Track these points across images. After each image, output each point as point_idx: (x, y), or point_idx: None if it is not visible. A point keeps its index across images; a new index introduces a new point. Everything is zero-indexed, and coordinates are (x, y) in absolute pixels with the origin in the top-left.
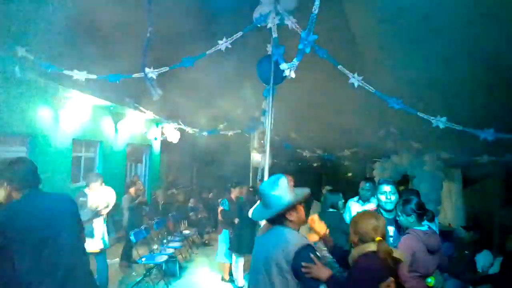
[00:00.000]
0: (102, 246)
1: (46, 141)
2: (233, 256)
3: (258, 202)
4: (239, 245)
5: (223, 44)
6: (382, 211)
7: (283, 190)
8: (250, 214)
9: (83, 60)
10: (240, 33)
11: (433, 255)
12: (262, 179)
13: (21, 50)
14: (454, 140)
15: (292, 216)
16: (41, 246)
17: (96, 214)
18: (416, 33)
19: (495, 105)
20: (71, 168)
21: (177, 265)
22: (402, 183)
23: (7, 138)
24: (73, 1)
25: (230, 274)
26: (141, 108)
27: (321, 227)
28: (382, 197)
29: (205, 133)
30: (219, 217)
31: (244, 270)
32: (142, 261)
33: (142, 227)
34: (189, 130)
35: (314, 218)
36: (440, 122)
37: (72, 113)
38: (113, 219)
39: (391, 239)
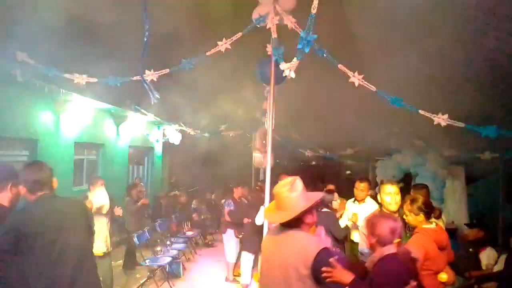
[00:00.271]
0: (105, 249)
1: (48, 145)
2: (243, 255)
3: (269, 204)
4: (251, 244)
5: (222, 45)
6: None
7: (300, 193)
8: (261, 215)
9: (84, 64)
10: (239, 34)
11: (443, 251)
12: (264, 179)
13: (22, 55)
14: (456, 137)
15: (308, 219)
16: (51, 249)
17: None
18: (416, 31)
19: (497, 102)
20: (73, 171)
21: (180, 266)
22: (405, 181)
23: (9, 142)
24: (73, 5)
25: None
26: (142, 110)
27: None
28: (387, 198)
29: (206, 134)
30: (226, 217)
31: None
32: (145, 263)
33: (145, 229)
34: (190, 131)
35: None
36: (442, 119)
37: (73, 116)
38: (116, 222)
39: None
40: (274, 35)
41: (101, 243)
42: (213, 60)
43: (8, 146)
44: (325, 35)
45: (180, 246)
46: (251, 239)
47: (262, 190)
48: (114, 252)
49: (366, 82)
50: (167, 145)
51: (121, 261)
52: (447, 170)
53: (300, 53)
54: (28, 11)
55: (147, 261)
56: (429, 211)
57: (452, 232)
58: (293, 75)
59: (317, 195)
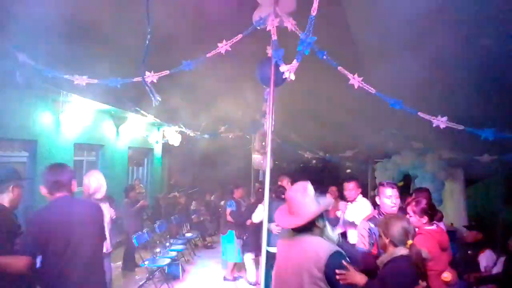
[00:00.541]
0: (105, 250)
1: (48, 146)
2: (246, 256)
3: (281, 208)
4: (252, 245)
5: (223, 47)
6: (378, 216)
7: (312, 197)
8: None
9: (84, 65)
10: (240, 36)
11: (444, 252)
12: (263, 181)
13: (22, 56)
14: (455, 139)
15: (320, 223)
16: (63, 249)
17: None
18: (416, 33)
19: (496, 104)
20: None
21: (180, 268)
22: (404, 183)
23: (9, 143)
24: (73, 6)
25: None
26: (142, 111)
27: None
28: (387, 201)
29: (206, 136)
30: (228, 218)
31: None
32: (145, 264)
33: (144, 231)
34: (190, 133)
35: None
36: (441, 122)
37: (73, 118)
38: (115, 223)
39: None
40: (274, 37)
41: None
42: (213, 62)
43: (7, 147)
44: (324, 37)
45: (179, 247)
46: (253, 240)
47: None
48: (113, 254)
49: (365, 84)
50: (166, 147)
51: (120, 262)
52: (446, 172)
53: (300, 55)
54: (29, 11)
55: (146, 262)
56: (433, 213)
57: (451, 234)
58: (293, 77)
59: (329, 201)
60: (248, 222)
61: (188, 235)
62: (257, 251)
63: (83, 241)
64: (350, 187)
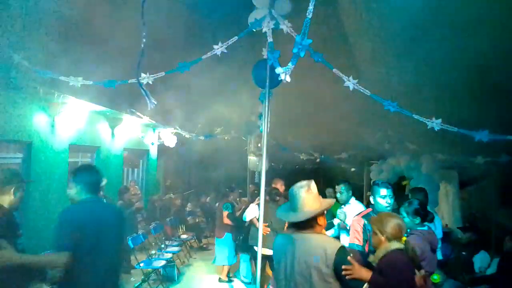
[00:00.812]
0: None
1: (43, 147)
2: (242, 257)
3: (282, 205)
4: (248, 245)
5: (218, 48)
6: (374, 215)
7: (316, 194)
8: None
9: (79, 66)
10: (235, 38)
11: (434, 253)
12: (258, 182)
13: (17, 57)
14: (450, 141)
15: (321, 221)
16: (89, 250)
17: None
18: (410, 36)
19: (489, 106)
20: (68, 174)
21: (175, 269)
22: (399, 185)
23: (3, 144)
24: (68, 7)
25: (228, 274)
26: (137, 113)
27: None
28: (381, 201)
29: (202, 137)
30: (225, 221)
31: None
32: (140, 266)
33: (140, 232)
34: (186, 134)
35: None
36: (435, 124)
37: (68, 119)
38: None
39: None
40: (269, 39)
41: None
42: (208, 64)
43: (2, 149)
44: (319, 39)
45: (175, 249)
46: (245, 239)
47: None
48: None
49: (361, 87)
50: (162, 148)
51: None
52: (440, 174)
53: (296, 58)
54: (24, 13)
55: (141, 264)
56: (425, 214)
57: (445, 235)
58: (288, 79)
59: (331, 201)
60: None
61: (184, 236)
62: (252, 251)
63: (108, 243)
64: (342, 190)
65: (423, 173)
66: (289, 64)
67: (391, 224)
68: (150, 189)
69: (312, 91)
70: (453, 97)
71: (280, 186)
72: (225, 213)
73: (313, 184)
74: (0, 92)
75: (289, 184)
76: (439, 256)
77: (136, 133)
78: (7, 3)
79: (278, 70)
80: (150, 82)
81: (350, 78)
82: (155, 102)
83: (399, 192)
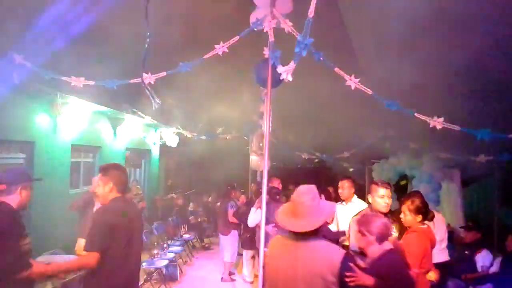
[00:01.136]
0: None
1: (45, 147)
2: (245, 253)
3: (283, 210)
4: (251, 243)
5: (220, 48)
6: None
7: (319, 201)
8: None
9: (81, 66)
10: (237, 37)
11: (431, 251)
12: (260, 181)
13: (19, 57)
14: (451, 140)
15: (324, 227)
16: (123, 246)
17: None
18: (412, 35)
19: (492, 105)
20: (70, 174)
21: (177, 269)
22: (400, 184)
23: (6, 144)
24: (70, 7)
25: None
26: (139, 113)
27: None
28: (380, 201)
29: (203, 137)
30: (231, 219)
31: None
32: (142, 266)
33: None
34: (187, 134)
35: None
36: (437, 122)
37: (70, 119)
38: None
39: None
40: (271, 38)
41: None
42: (210, 63)
43: (4, 149)
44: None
45: (177, 249)
46: (252, 238)
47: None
48: None
49: (362, 86)
50: (164, 148)
51: None
52: (442, 172)
53: (297, 57)
54: (26, 13)
55: (144, 264)
56: (426, 212)
57: (448, 234)
58: (290, 78)
59: (333, 204)
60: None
61: (186, 236)
62: (255, 249)
63: (135, 242)
64: (345, 186)
65: (425, 172)
66: (291, 63)
67: (378, 224)
68: (152, 189)
69: (313, 90)
70: (455, 96)
71: (277, 184)
72: (231, 211)
73: (316, 190)
74: (2, 92)
75: (289, 183)
76: (446, 257)
77: (138, 133)
78: (9, 3)
79: (280, 69)
80: (152, 82)
81: (352, 77)
82: (159, 102)
83: (400, 191)
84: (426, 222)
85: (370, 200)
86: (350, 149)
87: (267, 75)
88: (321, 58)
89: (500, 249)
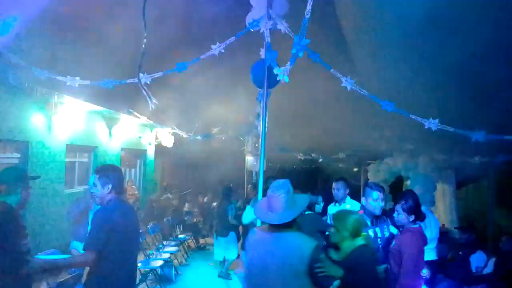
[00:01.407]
0: None
1: (40, 147)
2: (243, 253)
3: (261, 205)
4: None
5: (216, 49)
6: (366, 216)
7: (294, 195)
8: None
9: (77, 66)
10: (233, 38)
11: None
12: (256, 182)
13: (14, 57)
14: (447, 142)
15: (298, 220)
16: (121, 246)
17: None
18: (407, 38)
19: (487, 106)
20: (65, 174)
21: (173, 269)
22: (396, 184)
23: (1, 144)
24: (66, 7)
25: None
26: (135, 113)
27: None
28: (373, 204)
29: (199, 137)
30: (231, 221)
31: None
32: (137, 266)
33: None
34: (183, 134)
35: None
36: (433, 124)
37: (65, 119)
38: None
39: (379, 239)
40: (267, 39)
41: None
42: (206, 64)
43: None
44: (317, 39)
45: (172, 249)
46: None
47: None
48: None
49: (358, 87)
50: (159, 148)
51: None
52: (437, 173)
53: (294, 58)
54: (21, 12)
55: (139, 264)
56: (419, 212)
57: (442, 235)
58: (287, 79)
59: (306, 198)
60: None
61: (181, 236)
62: None
63: (133, 242)
64: (338, 186)
65: (420, 173)
66: (288, 64)
67: (352, 221)
68: (148, 189)
69: (309, 91)
70: (450, 97)
71: None
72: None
73: (290, 184)
74: None
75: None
76: (434, 256)
77: (133, 133)
78: (4, 3)
79: (277, 70)
80: (148, 82)
81: (348, 78)
82: (156, 102)
83: (396, 191)
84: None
85: (363, 202)
86: (346, 150)
87: (263, 75)
88: (318, 59)
89: (494, 250)
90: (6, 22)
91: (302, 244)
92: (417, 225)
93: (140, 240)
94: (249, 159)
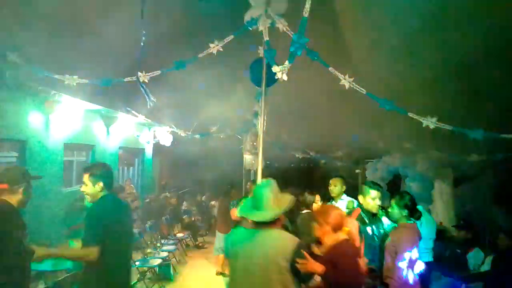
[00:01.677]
0: None
1: (37, 146)
2: None
3: (243, 202)
4: None
5: (214, 47)
6: (363, 214)
7: (278, 193)
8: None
9: (75, 65)
10: (231, 36)
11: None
12: (254, 181)
13: (12, 55)
14: (445, 140)
15: (282, 218)
16: (118, 242)
17: None
18: (405, 36)
19: (484, 104)
20: (63, 172)
21: (171, 268)
22: (394, 183)
23: None
24: (64, 5)
25: None
26: (133, 111)
27: None
28: (371, 202)
29: (197, 136)
30: (233, 217)
31: None
32: (136, 265)
33: (135, 231)
34: (181, 133)
35: None
36: (430, 122)
37: (63, 117)
38: None
39: (375, 237)
40: (266, 37)
41: None
42: (204, 62)
43: None
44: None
45: (171, 248)
46: None
47: None
48: None
49: (356, 85)
50: (157, 147)
51: None
52: (435, 171)
53: (292, 56)
54: (19, 11)
55: (137, 263)
56: (413, 209)
57: (440, 233)
58: (285, 78)
59: (291, 197)
60: None
61: (180, 235)
62: None
63: (127, 238)
64: (335, 183)
65: (418, 171)
66: (286, 62)
67: (334, 215)
68: (146, 188)
69: (307, 89)
70: (449, 95)
71: None
72: (233, 210)
73: (275, 183)
74: None
75: (283, 182)
76: (430, 257)
77: (131, 132)
78: (1, 2)
79: (275, 69)
80: (146, 81)
81: (346, 76)
82: (154, 100)
83: (394, 190)
84: (413, 219)
85: (361, 201)
86: (344, 149)
87: (261, 74)
88: (316, 58)
89: (491, 248)
90: None
91: (285, 242)
92: (412, 221)
93: (138, 238)
94: (247, 157)
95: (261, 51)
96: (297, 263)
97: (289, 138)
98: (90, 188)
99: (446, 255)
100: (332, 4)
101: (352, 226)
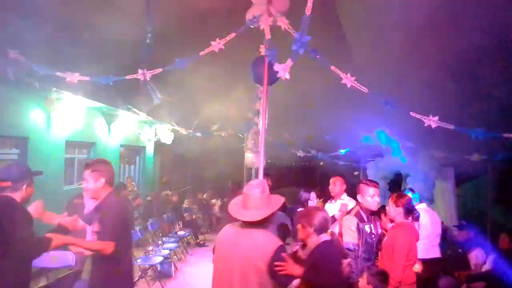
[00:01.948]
0: None
1: (39, 143)
2: None
3: (236, 202)
4: None
5: (216, 45)
6: (362, 212)
7: (268, 194)
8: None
9: (76, 62)
10: (233, 34)
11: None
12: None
13: (13, 52)
14: (446, 139)
15: (270, 218)
16: (126, 239)
17: None
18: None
19: (486, 104)
20: (64, 170)
21: (172, 266)
22: (395, 182)
23: None
24: (66, 2)
25: None
26: (134, 109)
27: None
28: (370, 200)
29: (198, 134)
30: None
31: None
32: (137, 262)
33: (137, 229)
34: (182, 131)
35: None
36: (432, 121)
37: (64, 115)
38: None
39: (373, 236)
40: (267, 36)
41: None
42: (206, 60)
43: None
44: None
45: (172, 245)
46: None
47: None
48: None
49: (358, 84)
50: (159, 145)
51: None
52: (437, 171)
53: (294, 55)
54: (20, 8)
55: (138, 260)
56: (410, 209)
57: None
58: (287, 76)
59: (280, 198)
60: None
61: (181, 233)
62: None
63: (131, 234)
64: (336, 182)
65: (420, 171)
66: (288, 61)
67: (318, 218)
68: (147, 185)
69: (309, 88)
70: (450, 95)
71: (268, 183)
72: None
73: (266, 184)
74: None
75: (284, 181)
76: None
77: (132, 130)
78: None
79: (277, 67)
80: (148, 78)
81: (348, 75)
82: (160, 96)
83: (395, 189)
84: (411, 220)
85: (360, 199)
86: (345, 147)
87: (263, 72)
88: (318, 56)
89: (493, 247)
90: None
91: (266, 243)
92: (409, 220)
93: (139, 236)
94: (248, 156)
95: (262, 50)
96: (276, 266)
97: (290, 137)
98: (92, 185)
99: (448, 255)
100: (334, 3)
101: (350, 223)
